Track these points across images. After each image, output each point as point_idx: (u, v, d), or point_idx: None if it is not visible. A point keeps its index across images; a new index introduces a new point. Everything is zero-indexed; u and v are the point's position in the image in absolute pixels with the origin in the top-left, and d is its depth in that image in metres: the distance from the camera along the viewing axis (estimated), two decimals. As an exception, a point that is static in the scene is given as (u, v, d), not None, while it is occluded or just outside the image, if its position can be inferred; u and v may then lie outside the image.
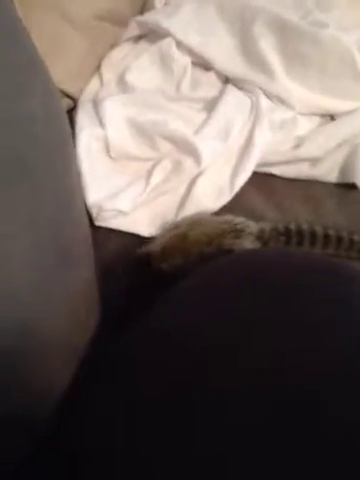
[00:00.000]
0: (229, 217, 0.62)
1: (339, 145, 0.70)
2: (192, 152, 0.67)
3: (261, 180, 0.72)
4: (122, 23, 0.87)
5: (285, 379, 0.32)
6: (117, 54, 0.85)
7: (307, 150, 0.70)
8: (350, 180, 0.70)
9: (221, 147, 0.67)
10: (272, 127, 0.69)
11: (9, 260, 0.37)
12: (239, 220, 0.61)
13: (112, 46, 0.87)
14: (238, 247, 0.59)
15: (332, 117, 0.75)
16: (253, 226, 0.61)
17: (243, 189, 0.68)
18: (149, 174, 0.69)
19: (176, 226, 0.63)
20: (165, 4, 0.89)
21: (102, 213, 0.66)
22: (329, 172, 0.71)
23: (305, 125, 0.73)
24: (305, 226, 0.61)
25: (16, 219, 0.39)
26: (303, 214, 0.70)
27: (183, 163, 0.68)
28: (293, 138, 0.71)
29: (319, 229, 0.61)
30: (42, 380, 0.43)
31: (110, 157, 0.70)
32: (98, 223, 0.66)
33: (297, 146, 0.70)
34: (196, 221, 0.62)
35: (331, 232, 0.61)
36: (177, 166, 0.68)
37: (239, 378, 0.33)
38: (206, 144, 0.67)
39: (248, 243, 0.60)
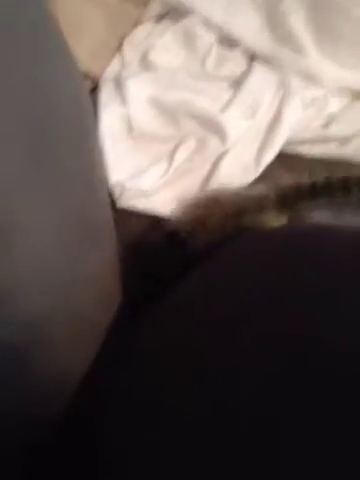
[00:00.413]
0: (244, 191, 0.60)
1: (372, 124, 0.67)
2: (218, 130, 0.65)
3: (289, 159, 0.69)
4: (144, 2, 0.85)
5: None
6: (140, 33, 0.83)
7: (338, 128, 0.67)
8: (382, 160, 0.67)
9: (247, 125, 0.65)
10: (303, 102, 0.66)
11: (34, 239, 0.36)
12: (256, 192, 0.59)
13: (135, 25, 0.85)
14: (259, 225, 0.56)
15: (363, 96, 0.72)
16: (272, 197, 0.58)
17: (270, 167, 0.66)
18: (173, 154, 0.68)
19: (195, 205, 0.61)
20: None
21: (125, 193, 0.64)
22: (359, 152, 0.68)
23: (336, 103, 0.70)
24: (334, 179, 0.57)
25: (40, 198, 0.38)
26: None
27: (207, 141, 0.66)
28: (323, 116, 0.68)
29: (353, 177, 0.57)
30: (54, 377, 0.42)
31: (133, 137, 0.69)
32: (121, 203, 0.65)
33: (327, 124, 0.68)
34: (213, 199, 0.60)
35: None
36: (201, 145, 0.67)
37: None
38: (232, 122, 0.65)
39: (271, 219, 0.57)
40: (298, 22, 0.69)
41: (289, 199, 0.56)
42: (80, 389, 0.42)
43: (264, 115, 0.66)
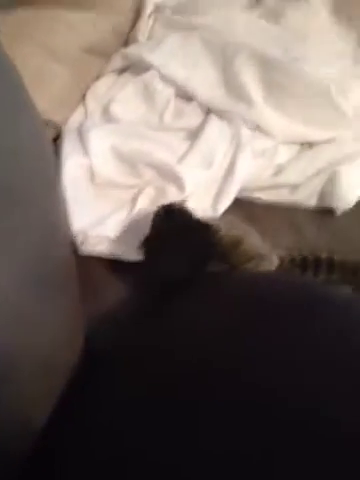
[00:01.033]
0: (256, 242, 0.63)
1: (318, 172, 0.72)
2: (175, 180, 0.68)
3: (243, 206, 0.73)
4: (107, 55, 0.90)
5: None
6: (102, 85, 0.87)
7: (287, 176, 0.72)
8: (329, 205, 0.72)
9: (204, 175, 0.69)
10: (254, 155, 0.71)
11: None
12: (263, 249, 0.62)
13: (97, 77, 0.89)
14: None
15: (311, 145, 0.78)
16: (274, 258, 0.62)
17: (225, 215, 0.70)
18: (133, 201, 0.71)
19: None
20: (148, 37, 0.93)
21: (88, 240, 0.66)
22: (309, 197, 0.73)
23: (285, 153, 0.75)
24: (324, 255, 0.63)
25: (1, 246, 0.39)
26: (285, 239, 0.72)
27: (166, 190, 0.69)
28: (274, 165, 0.73)
29: (338, 257, 0.63)
30: (19, 413, 0.42)
31: (95, 185, 0.71)
32: (84, 250, 0.67)
33: (277, 173, 0.73)
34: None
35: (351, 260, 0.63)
36: (161, 193, 0.70)
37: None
38: (189, 172, 0.69)
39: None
40: (250, 79, 0.76)
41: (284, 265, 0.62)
42: (45, 426, 0.43)
43: (219, 165, 0.70)
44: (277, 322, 0.39)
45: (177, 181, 0.68)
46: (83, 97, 0.87)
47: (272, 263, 0.61)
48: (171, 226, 0.59)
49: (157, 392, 0.37)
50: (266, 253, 0.60)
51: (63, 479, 0.35)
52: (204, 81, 0.78)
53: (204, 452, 0.31)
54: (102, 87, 0.87)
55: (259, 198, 0.73)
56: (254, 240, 0.62)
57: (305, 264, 0.63)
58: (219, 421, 0.33)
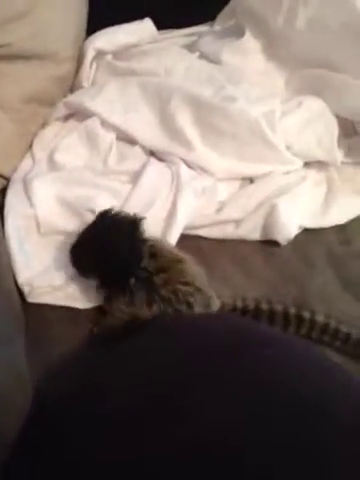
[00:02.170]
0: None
1: (258, 206, 0.75)
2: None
3: (189, 242, 0.74)
4: (51, 103, 0.92)
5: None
6: (48, 133, 0.89)
7: (229, 212, 0.74)
8: (272, 237, 0.74)
9: (147, 219, 0.70)
10: (195, 194, 0.73)
11: None
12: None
13: (43, 125, 0.91)
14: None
15: (251, 180, 0.80)
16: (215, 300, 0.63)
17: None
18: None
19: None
20: (93, 83, 0.95)
21: (34, 290, 0.66)
22: (252, 231, 0.75)
23: (225, 190, 0.78)
24: (265, 306, 0.64)
25: None
26: (233, 272, 0.74)
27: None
28: (215, 202, 0.76)
29: (279, 308, 0.64)
30: None
31: (40, 234, 0.72)
32: (31, 300, 0.67)
33: (220, 209, 0.75)
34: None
35: (292, 311, 0.64)
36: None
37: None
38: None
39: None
40: (184, 121, 0.78)
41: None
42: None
43: (161, 207, 0.72)
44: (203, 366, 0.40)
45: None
46: (31, 145, 0.88)
47: (214, 304, 0.62)
48: (101, 228, 0.61)
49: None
50: (208, 293, 0.61)
51: None
52: (143, 125, 0.81)
53: None
54: (48, 135, 0.88)
55: (204, 236, 0.74)
56: (196, 271, 0.62)
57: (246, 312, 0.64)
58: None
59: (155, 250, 0.60)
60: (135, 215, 0.62)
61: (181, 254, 0.63)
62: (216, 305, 0.63)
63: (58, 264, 0.69)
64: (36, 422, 0.50)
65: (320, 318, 0.64)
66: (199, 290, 0.60)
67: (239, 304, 0.65)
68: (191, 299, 0.59)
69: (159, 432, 0.36)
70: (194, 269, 0.62)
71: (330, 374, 0.41)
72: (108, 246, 0.59)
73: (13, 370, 0.52)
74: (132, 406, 0.39)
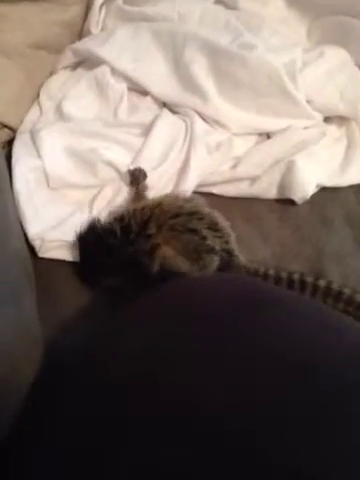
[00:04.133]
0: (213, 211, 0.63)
1: (275, 163, 0.72)
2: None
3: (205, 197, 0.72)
4: (60, 50, 0.87)
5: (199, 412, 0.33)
6: (55, 82, 0.85)
7: (245, 169, 0.71)
8: (288, 196, 0.71)
9: (158, 172, 0.68)
10: (209, 149, 0.70)
11: None
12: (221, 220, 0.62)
13: (50, 74, 0.87)
14: (205, 234, 0.59)
15: (268, 135, 0.77)
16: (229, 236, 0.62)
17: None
18: (92, 203, 0.70)
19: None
20: (102, 29, 0.90)
21: (45, 244, 0.65)
22: (268, 189, 0.72)
23: (241, 145, 0.74)
24: (271, 271, 0.62)
25: None
26: (246, 231, 0.72)
27: (123, 190, 0.68)
28: (230, 158, 0.73)
29: (284, 275, 0.61)
30: None
31: (50, 188, 0.70)
32: (42, 255, 0.66)
33: (235, 166, 0.72)
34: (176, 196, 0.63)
35: (296, 277, 0.61)
36: (119, 194, 0.69)
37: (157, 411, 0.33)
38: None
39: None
40: (200, 70, 0.74)
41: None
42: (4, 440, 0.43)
43: (173, 162, 0.69)
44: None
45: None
46: (37, 95, 0.85)
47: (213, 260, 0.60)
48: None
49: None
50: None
51: None
52: (156, 74, 0.77)
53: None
54: (56, 84, 0.85)
55: (218, 194, 0.72)
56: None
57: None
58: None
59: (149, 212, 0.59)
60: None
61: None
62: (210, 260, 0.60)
63: (69, 219, 0.67)
64: (49, 377, 0.50)
65: (335, 286, 0.61)
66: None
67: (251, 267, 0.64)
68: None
69: (145, 395, 0.36)
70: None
71: (329, 333, 0.40)
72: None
73: (23, 329, 0.52)
74: (131, 372, 0.39)
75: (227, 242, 0.62)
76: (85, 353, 0.46)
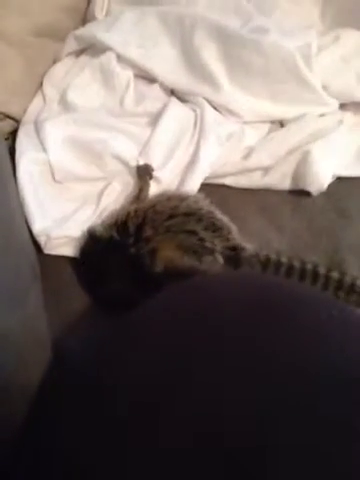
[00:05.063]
0: (212, 208, 0.61)
1: (289, 152, 0.69)
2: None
3: (214, 191, 0.69)
4: (63, 37, 0.84)
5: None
6: (59, 70, 0.82)
7: (257, 159, 0.68)
8: (303, 187, 0.68)
9: (168, 166, 0.65)
10: (219, 140, 0.67)
11: None
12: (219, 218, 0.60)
13: (54, 62, 0.84)
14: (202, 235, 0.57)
15: (282, 124, 0.74)
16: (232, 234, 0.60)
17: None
18: (99, 197, 0.67)
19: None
20: (107, 14, 0.87)
21: (51, 241, 0.63)
22: (281, 180, 0.69)
23: (254, 134, 0.71)
24: (284, 259, 0.59)
25: None
26: (259, 223, 0.69)
27: (132, 184, 0.66)
28: (242, 148, 0.70)
29: (297, 264, 0.59)
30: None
31: (55, 181, 0.67)
32: (47, 251, 0.63)
33: (247, 156, 0.69)
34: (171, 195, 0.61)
35: (309, 267, 0.58)
36: (127, 187, 0.67)
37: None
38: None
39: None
40: (210, 56, 0.71)
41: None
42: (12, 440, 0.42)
43: (182, 155, 0.67)
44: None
45: (141, 175, 0.65)
46: (41, 84, 0.82)
47: (216, 260, 0.58)
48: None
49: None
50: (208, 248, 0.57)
51: None
52: (163, 60, 0.73)
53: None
54: (59, 72, 0.82)
55: (230, 185, 0.69)
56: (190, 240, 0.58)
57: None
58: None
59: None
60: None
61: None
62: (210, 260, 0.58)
63: (75, 215, 0.65)
64: (56, 378, 0.49)
65: (348, 279, 0.59)
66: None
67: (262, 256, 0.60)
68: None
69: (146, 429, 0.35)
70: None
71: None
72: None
73: (30, 327, 0.50)
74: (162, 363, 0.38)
75: (228, 239, 0.59)
76: (93, 362, 0.44)
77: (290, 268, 0.58)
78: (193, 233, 0.57)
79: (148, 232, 0.55)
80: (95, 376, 0.41)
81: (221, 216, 0.61)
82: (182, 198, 0.61)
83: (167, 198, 0.60)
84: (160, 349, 0.39)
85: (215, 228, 0.59)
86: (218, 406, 0.33)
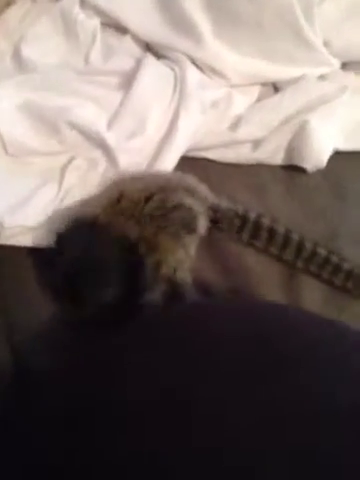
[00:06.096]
0: (177, 174, 0.55)
1: (283, 122, 0.59)
2: (106, 150, 0.56)
3: (197, 166, 0.61)
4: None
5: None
6: (12, 16, 0.69)
7: (246, 130, 0.59)
8: (298, 163, 0.60)
9: (138, 143, 0.56)
10: (203, 107, 0.57)
11: None
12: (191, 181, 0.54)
13: (6, 4, 0.71)
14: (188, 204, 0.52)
15: (275, 88, 0.64)
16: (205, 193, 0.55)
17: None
18: (62, 174, 0.57)
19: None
20: None
21: (5, 231, 0.53)
22: (274, 154, 0.61)
23: (242, 101, 0.61)
24: (266, 221, 0.55)
25: None
26: (249, 203, 0.61)
27: (98, 163, 0.56)
28: (229, 117, 0.60)
29: (280, 229, 0.55)
30: None
31: (8, 156, 0.57)
32: (2, 242, 0.54)
33: (234, 126, 0.59)
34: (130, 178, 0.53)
35: (294, 236, 0.55)
36: (92, 166, 0.57)
37: None
38: (120, 144, 0.56)
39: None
40: (192, 3, 0.59)
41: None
42: None
43: (157, 127, 0.57)
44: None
45: (108, 152, 0.55)
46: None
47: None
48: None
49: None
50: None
51: None
52: (137, 7, 0.61)
53: None
54: (13, 19, 0.69)
55: (214, 159, 0.60)
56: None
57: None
58: None
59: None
60: None
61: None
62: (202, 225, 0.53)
63: (33, 198, 0.55)
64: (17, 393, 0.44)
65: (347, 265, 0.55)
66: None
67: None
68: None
69: None
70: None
71: None
72: None
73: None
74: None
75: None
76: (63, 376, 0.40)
77: (271, 232, 0.55)
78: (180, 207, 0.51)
79: (134, 233, 0.48)
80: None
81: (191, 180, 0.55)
82: (139, 177, 0.53)
83: (129, 181, 0.52)
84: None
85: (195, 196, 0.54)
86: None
